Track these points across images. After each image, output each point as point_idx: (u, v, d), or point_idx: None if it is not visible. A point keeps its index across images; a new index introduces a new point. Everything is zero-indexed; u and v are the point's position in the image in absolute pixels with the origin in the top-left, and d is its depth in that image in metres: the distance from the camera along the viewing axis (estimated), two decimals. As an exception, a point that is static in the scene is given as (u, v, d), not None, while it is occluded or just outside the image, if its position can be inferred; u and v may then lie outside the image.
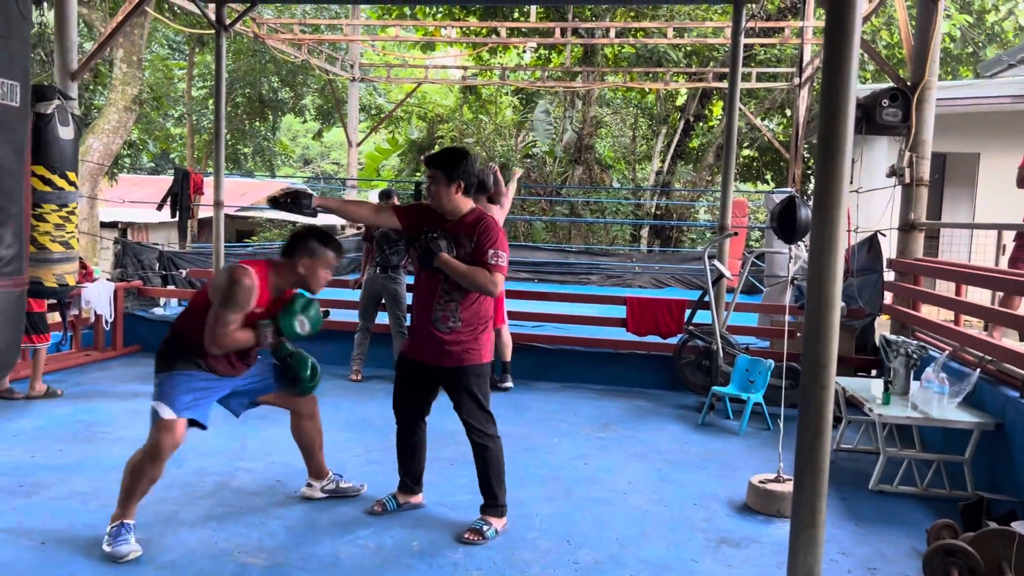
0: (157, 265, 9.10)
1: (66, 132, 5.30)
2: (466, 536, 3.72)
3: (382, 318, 7.07)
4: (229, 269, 3.52)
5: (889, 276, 6.65)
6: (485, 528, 3.75)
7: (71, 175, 5.50)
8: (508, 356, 6.73)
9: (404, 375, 3.96)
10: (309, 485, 4.22)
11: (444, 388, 3.87)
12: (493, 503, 3.85)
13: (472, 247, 3.68)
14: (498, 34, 13.53)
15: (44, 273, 5.43)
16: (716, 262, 6.84)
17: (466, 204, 3.77)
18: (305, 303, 3.68)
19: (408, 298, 7.16)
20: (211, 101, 22.92)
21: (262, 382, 3.88)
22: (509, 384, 6.77)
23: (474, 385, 3.78)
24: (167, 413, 3.49)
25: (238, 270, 3.49)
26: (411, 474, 4.09)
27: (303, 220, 3.92)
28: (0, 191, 2.73)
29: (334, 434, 5.31)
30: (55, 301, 6.45)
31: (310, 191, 3.76)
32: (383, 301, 6.96)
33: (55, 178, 5.35)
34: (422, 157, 4.19)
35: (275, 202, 3.75)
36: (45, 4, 5.80)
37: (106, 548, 3.43)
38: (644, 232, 19.55)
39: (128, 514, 3.52)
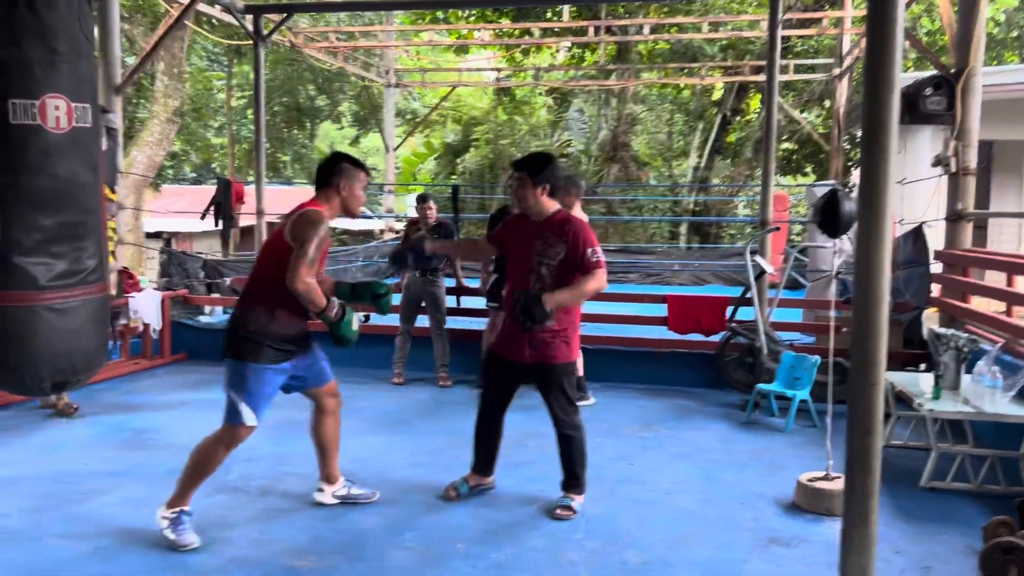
0: (202, 274, 9.25)
1: (103, 144, 5.47)
2: (558, 513, 3.97)
3: (422, 321, 7.10)
4: (312, 212, 3.60)
5: (936, 268, 6.51)
6: (572, 503, 4.02)
7: (106, 188, 5.64)
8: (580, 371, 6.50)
9: (492, 372, 4.17)
10: (320, 490, 4.14)
11: (535, 382, 4.05)
12: (575, 482, 4.09)
13: (566, 249, 3.86)
14: (531, 35, 13.54)
15: None
16: (758, 257, 6.76)
17: (552, 205, 3.97)
18: (379, 294, 3.96)
19: (451, 300, 7.22)
20: (250, 111, 23.26)
21: (310, 371, 3.88)
22: (587, 400, 6.36)
23: (564, 381, 4.01)
24: (250, 420, 3.58)
25: (309, 210, 3.61)
26: (486, 457, 4.29)
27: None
28: (81, 206, 2.96)
29: (377, 437, 5.36)
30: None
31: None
32: (423, 304, 6.99)
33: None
34: (510, 162, 4.32)
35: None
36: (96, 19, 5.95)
37: (169, 535, 3.51)
38: (683, 229, 19.38)
39: (186, 501, 3.63)
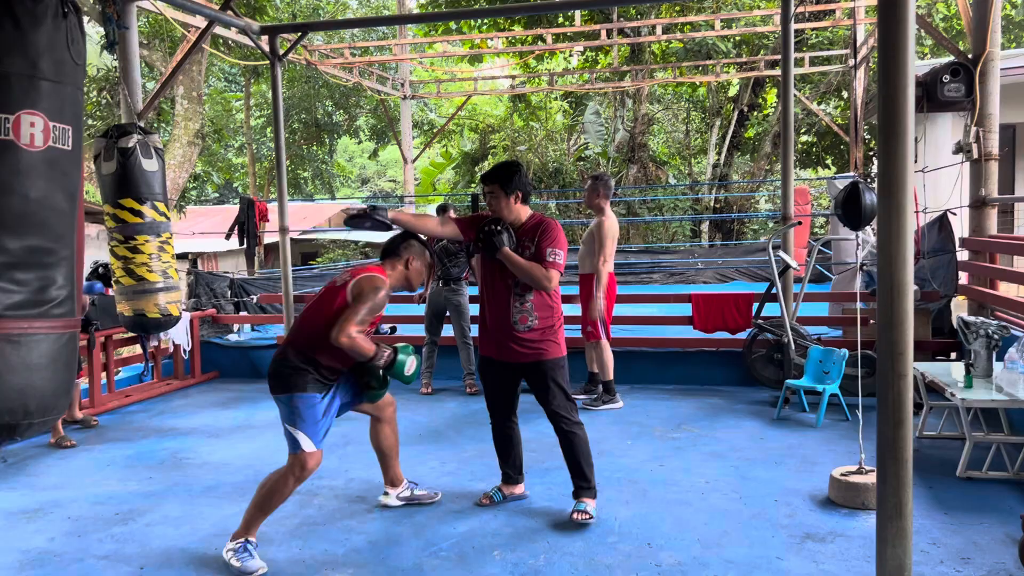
0: (229, 293, 9.37)
1: (150, 164, 5.51)
2: (575, 517, 3.96)
3: (447, 330, 7.15)
4: (375, 278, 3.76)
5: (963, 255, 6.45)
6: (588, 508, 4.01)
7: (160, 205, 5.70)
8: (609, 374, 6.36)
9: (491, 376, 4.19)
10: (385, 494, 4.36)
11: (528, 382, 4.08)
12: (586, 485, 4.06)
13: (534, 248, 3.93)
14: (544, 41, 13.56)
15: (146, 304, 5.63)
16: (781, 252, 6.73)
17: (525, 212, 4.06)
18: (414, 350, 3.92)
19: (474, 308, 7.25)
20: (269, 129, 23.55)
21: (355, 391, 4.02)
22: (616, 403, 6.37)
23: (559, 376, 4.02)
24: (309, 447, 3.68)
25: (380, 279, 3.76)
26: (512, 466, 4.34)
27: (375, 236, 4.13)
28: (52, 232, 2.75)
29: (408, 447, 5.39)
30: (133, 334, 6.69)
31: (384, 205, 3.95)
32: (447, 314, 7.04)
33: (145, 209, 5.55)
34: (480, 175, 4.33)
35: (353, 219, 3.96)
36: (116, 50, 6.05)
37: (234, 563, 3.59)
38: (704, 227, 19.31)
39: (252, 532, 3.71)
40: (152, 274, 5.59)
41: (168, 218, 5.84)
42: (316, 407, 3.71)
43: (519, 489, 4.36)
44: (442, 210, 7.29)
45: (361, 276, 3.78)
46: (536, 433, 5.28)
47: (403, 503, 4.32)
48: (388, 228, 3.95)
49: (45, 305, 2.70)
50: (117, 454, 5.58)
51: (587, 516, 3.97)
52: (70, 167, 2.82)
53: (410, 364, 3.83)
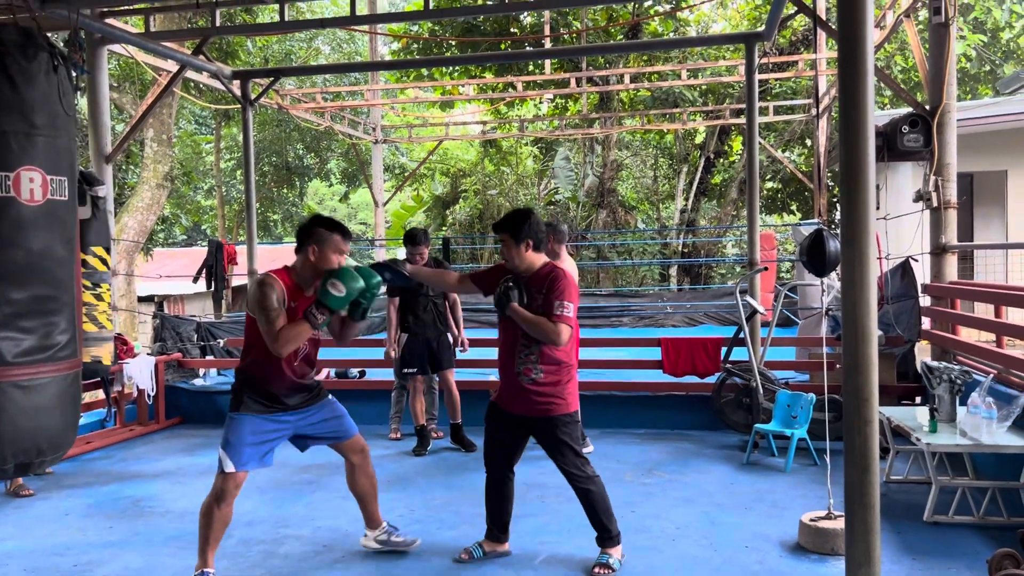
0: (195, 336, 9.24)
1: (79, 212, 5.55)
2: (596, 571, 3.91)
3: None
4: (254, 282, 3.75)
5: (925, 301, 6.57)
6: (610, 560, 3.94)
7: (98, 251, 5.73)
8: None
9: (494, 425, 4.10)
10: (365, 535, 4.31)
11: (536, 438, 4.00)
12: (608, 535, 4.01)
13: (542, 299, 3.86)
14: (515, 88, 13.76)
15: (100, 351, 5.71)
16: (748, 297, 6.82)
17: (539, 259, 3.99)
18: (332, 272, 3.69)
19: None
20: (239, 172, 23.51)
21: (324, 428, 3.99)
22: (586, 447, 6.26)
23: (565, 434, 3.92)
24: (229, 467, 3.69)
25: (260, 277, 3.72)
26: (498, 523, 4.20)
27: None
28: (54, 280, 2.87)
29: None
30: (98, 379, 6.62)
31: (400, 260, 3.95)
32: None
33: (88, 258, 5.60)
34: (492, 225, 4.37)
35: (377, 269, 3.96)
36: (81, 92, 6.07)
37: None
38: (673, 271, 19.52)
39: (208, 563, 3.72)
40: (88, 324, 5.64)
41: (109, 267, 5.90)
42: (242, 429, 3.71)
43: (503, 548, 4.21)
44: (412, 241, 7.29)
45: (251, 285, 3.79)
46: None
47: (380, 546, 4.25)
48: (408, 281, 3.99)
49: (51, 349, 2.86)
50: (76, 502, 5.43)
51: (608, 571, 3.90)
52: (67, 216, 2.96)
53: (333, 288, 3.60)
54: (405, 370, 6.43)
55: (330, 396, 4.05)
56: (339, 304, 3.67)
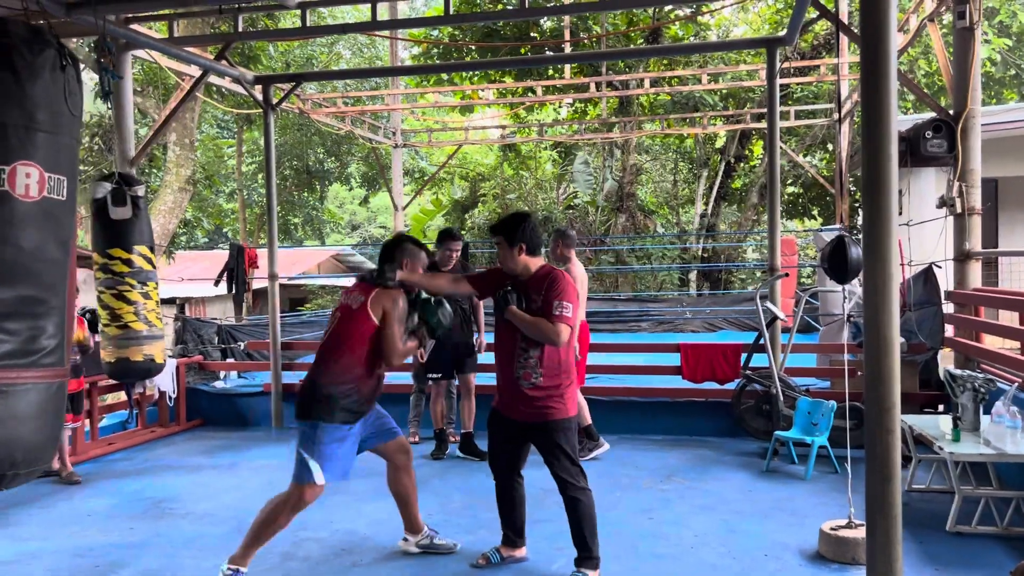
0: (216, 339, 9.32)
1: (119, 212, 5.57)
2: None
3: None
4: (389, 294, 3.92)
5: (948, 308, 6.50)
6: None
7: (143, 250, 5.77)
8: (587, 419, 6.31)
9: (495, 431, 4.10)
10: (405, 539, 4.34)
11: (533, 443, 3.98)
12: (588, 555, 3.91)
13: (541, 301, 3.84)
14: (534, 92, 13.76)
15: (131, 351, 5.73)
16: (769, 303, 6.77)
17: (535, 263, 3.97)
18: (435, 301, 4.09)
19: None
20: (261, 176, 23.66)
21: (375, 430, 4.10)
22: (601, 446, 6.34)
23: (562, 439, 3.88)
24: (319, 479, 3.74)
25: (396, 293, 3.92)
26: (513, 527, 4.19)
27: None
28: (44, 282, 2.76)
29: (391, 498, 5.32)
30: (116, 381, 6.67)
31: (393, 267, 4.02)
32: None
33: (133, 257, 5.65)
34: (489, 228, 4.40)
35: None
36: (111, 99, 6.12)
37: None
38: (693, 276, 19.43)
39: (246, 561, 3.76)
40: (138, 322, 5.65)
41: (154, 266, 5.92)
42: (336, 440, 3.78)
43: (519, 552, 4.20)
44: (449, 236, 7.31)
45: (379, 294, 3.90)
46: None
47: (421, 551, 4.29)
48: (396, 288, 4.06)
49: (35, 355, 2.69)
50: (98, 503, 5.49)
51: None
52: (64, 217, 2.84)
53: (442, 316, 4.08)
54: (431, 375, 6.43)
55: None
56: (443, 329, 4.13)
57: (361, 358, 3.83)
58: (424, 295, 4.08)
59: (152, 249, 5.91)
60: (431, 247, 6.30)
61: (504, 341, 3.97)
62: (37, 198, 2.73)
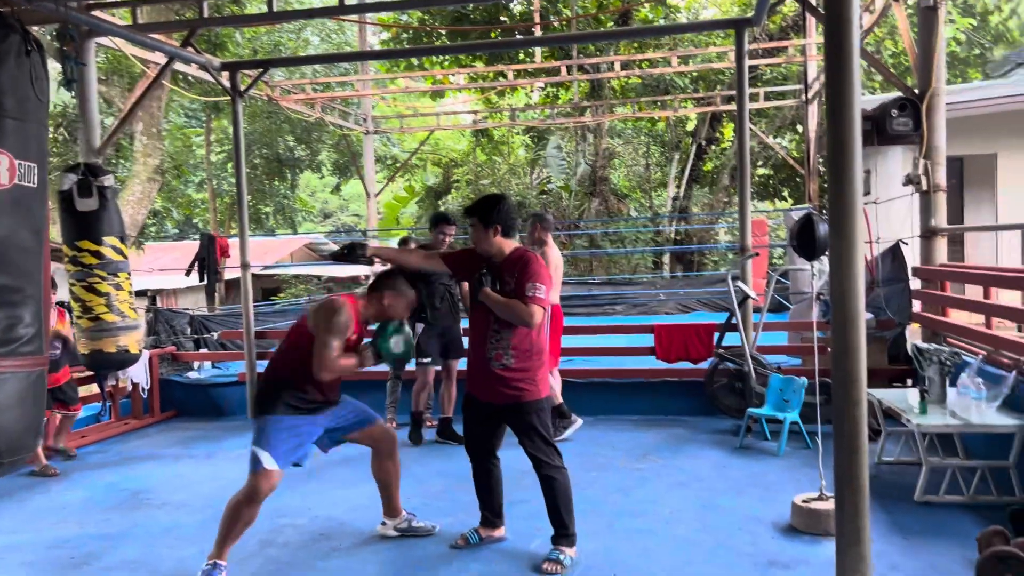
0: (189, 330, 9.25)
1: (86, 204, 5.51)
2: (544, 567, 3.84)
3: (412, 365, 7.11)
4: (329, 302, 3.86)
5: (915, 284, 6.61)
6: (561, 557, 3.88)
7: (112, 241, 5.72)
8: (558, 398, 6.36)
9: (469, 412, 4.13)
10: (383, 523, 4.36)
11: (508, 424, 4.01)
12: (564, 532, 3.97)
13: (514, 283, 3.86)
14: (505, 77, 13.74)
15: (105, 343, 5.69)
16: (740, 283, 6.85)
17: (508, 245, 3.98)
18: (397, 326, 4.00)
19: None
20: (230, 165, 23.40)
21: (348, 420, 4.10)
22: (575, 423, 6.42)
23: (535, 420, 3.91)
24: (269, 464, 3.72)
25: (337, 302, 3.84)
26: (491, 508, 4.23)
27: (359, 270, 4.22)
28: (18, 270, 2.74)
29: (371, 483, 5.34)
30: (91, 373, 6.63)
31: (365, 242, 3.99)
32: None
33: (103, 249, 5.60)
34: (463, 209, 4.39)
35: (335, 256, 4.13)
36: (75, 87, 6.03)
37: None
38: (666, 258, 19.56)
39: (223, 555, 3.75)
40: (110, 314, 5.61)
41: (126, 256, 5.87)
42: (282, 429, 3.75)
43: (498, 532, 4.24)
44: (404, 243, 7.33)
45: (317, 306, 3.88)
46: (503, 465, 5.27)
47: (400, 534, 4.32)
48: (369, 263, 4.01)
49: (13, 344, 2.69)
50: (73, 496, 5.45)
51: (556, 567, 3.82)
52: (36, 204, 2.83)
53: (394, 344, 3.94)
54: (422, 360, 6.41)
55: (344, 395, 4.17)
56: (392, 358, 3.99)
57: (302, 364, 3.81)
58: (395, 323, 4.01)
59: (123, 239, 5.87)
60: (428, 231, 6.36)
61: (477, 323, 3.99)
62: (8, 186, 2.71)
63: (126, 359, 5.83)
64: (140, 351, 6.01)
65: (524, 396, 3.88)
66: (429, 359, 6.42)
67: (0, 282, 2.69)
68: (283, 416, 3.78)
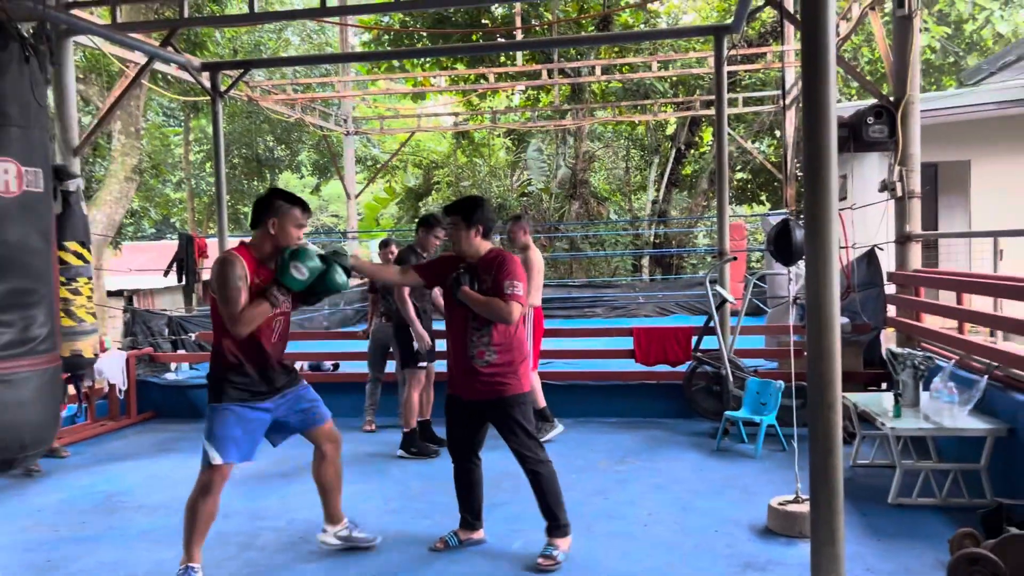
0: (166, 331, 9.18)
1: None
2: (539, 563, 3.87)
3: (391, 367, 7.11)
4: (218, 260, 3.65)
5: (890, 289, 6.70)
6: (555, 552, 3.92)
7: (73, 246, 5.69)
8: (541, 401, 6.36)
9: (452, 413, 4.13)
10: (323, 531, 4.20)
11: (490, 421, 4.03)
12: (556, 524, 4.00)
13: (491, 282, 3.90)
14: (486, 79, 13.76)
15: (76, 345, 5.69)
16: (718, 287, 6.91)
17: (485, 246, 4.04)
18: (291, 252, 3.67)
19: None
20: (209, 165, 23.26)
21: (301, 413, 3.93)
22: (556, 428, 6.41)
23: (518, 414, 3.95)
24: (216, 459, 3.64)
25: (224, 257, 3.64)
26: (470, 510, 4.23)
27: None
28: (31, 273, 2.86)
29: (352, 486, 5.32)
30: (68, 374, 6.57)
31: (346, 251, 3.91)
32: (391, 350, 7.01)
33: (63, 254, 5.57)
34: (443, 208, 4.38)
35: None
36: (50, 87, 5.98)
37: None
38: (645, 261, 19.66)
39: (193, 557, 3.67)
40: (66, 319, 5.61)
41: (90, 261, 5.87)
42: (227, 420, 3.64)
43: (477, 535, 4.25)
44: (384, 245, 7.33)
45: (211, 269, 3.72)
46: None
47: (341, 543, 4.19)
48: (347, 274, 3.89)
49: (30, 343, 2.85)
50: (48, 499, 5.39)
51: (552, 563, 3.85)
52: (43, 208, 2.95)
53: (296, 271, 3.60)
54: (420, 364, 6.27)
55: (304, 381, 4.02)
56: (299, 285, 3.66)
57: (224, 332, 3.64)
58: (289, 250, 3.67)
59: (86, 244, 5.82)
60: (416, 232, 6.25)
61: (456, 322, 4.02)
62: (17, 193, 2.82)
63: (79, 363, 5.80)
64: (95, 355, 5.98)
65: (506, 391, 3.92)
66: (426, 362, 6.33)
67: (16, 285, 2.80)
68: (229, 404, 3.63)
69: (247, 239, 3.82)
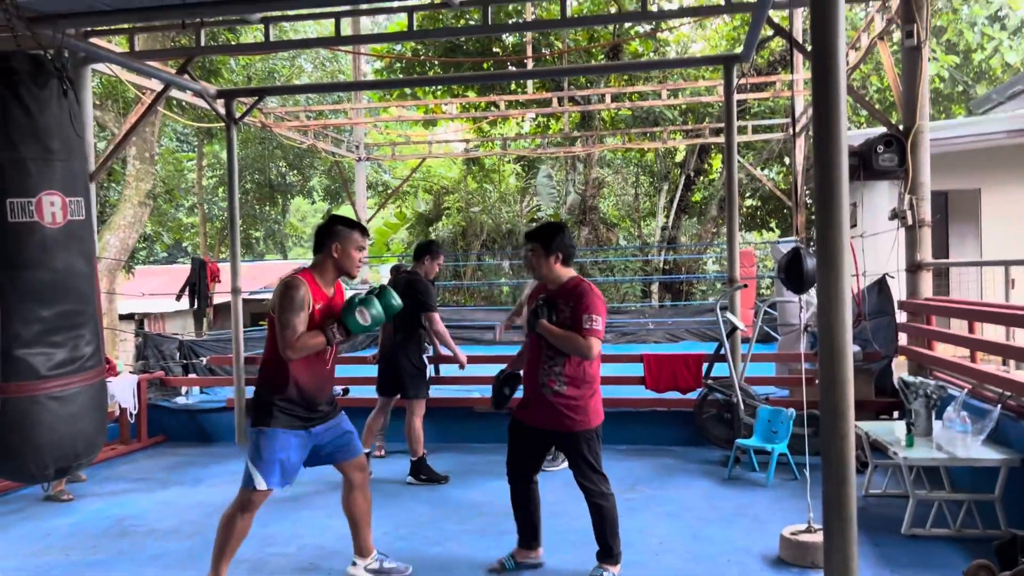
0: (178, 355, 9.22)
1: None
2: None
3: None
4: (283, 281, 3.76)
5: (901, 317, 6.68)
6: (604, 574, 4.00)
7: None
8: None
9: (516, 437, 4.16)
10: (353, 564, 4.18)
11: (558, 450, 4.06)
12: (609, 552, 4.06)
13: (569, 312, 3.91)
14: (497, 107, 13.88)
15: None
16: (729, 314, 6.90)
17: (566, 273, 4.06)
18: (363, 298, 3.82)
19: (430, 369, 7.24)
20: (221, 190, 23.45)
21: (339, 441, 3.97)
22: (560, 466, 6.29)
23: (585, 449, 3.98)
24: (261, 485, 3.68)
25: (290, 279, 3.74)
26: (529, 530, 4.25)
27: None
28: (78, 295, 3.03)
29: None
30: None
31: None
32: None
33: None
34: (525, 233, 4.44)
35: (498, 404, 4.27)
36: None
37: None
38: (654, 287, 19.65)
39: (221, 573, 3.70)
40: None
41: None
42: (274, 444, 3.68)
43: (535, 555, 4.26)
44: (395, 270, 7.38)
45: (275, 289, 3.80)
46: (489, 494, 5.27)
47: (371, 575, 4.15)
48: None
49: (79, 360, 3.02)
50: (59, 522, 5.40)
51: None
52: (86, 233, 3.11)
53: (360, 316, 3.72)
54: (424, 393, 6.27)
55: (343, 412, 4.05)
56: (360, 331, 3.78)
57: (276, 354, 3.71)
58: (362, 295, 3.83)
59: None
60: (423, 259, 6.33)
61: (532, 349, 4.07)
62: (63, 223, 2.98)
63: None
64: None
65: (574, 426, 3.95)
66: (428, 393, 6.35)
67: (65, 308, 2.98)
68: (276, 429, 3.68)
69: (312, 265, 3.91)
